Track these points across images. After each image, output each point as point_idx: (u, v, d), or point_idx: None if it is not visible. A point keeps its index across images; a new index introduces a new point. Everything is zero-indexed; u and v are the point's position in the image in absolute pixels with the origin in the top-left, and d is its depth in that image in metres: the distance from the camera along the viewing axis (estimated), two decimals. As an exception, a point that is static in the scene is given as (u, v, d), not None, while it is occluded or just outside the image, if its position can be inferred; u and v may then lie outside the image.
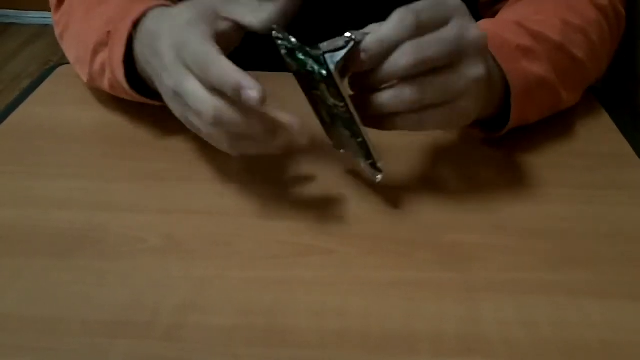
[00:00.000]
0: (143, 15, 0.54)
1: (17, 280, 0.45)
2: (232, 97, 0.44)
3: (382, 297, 0.43)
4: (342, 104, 0.45)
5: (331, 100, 0.45)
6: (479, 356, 0.39)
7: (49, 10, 0.69)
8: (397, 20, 0.45)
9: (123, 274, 0.45)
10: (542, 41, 0.56)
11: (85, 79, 0.63)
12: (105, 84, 0.60)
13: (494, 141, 0.57)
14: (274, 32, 0.46)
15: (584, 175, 0.55)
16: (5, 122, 0.64)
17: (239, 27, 0.51)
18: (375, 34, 0.45)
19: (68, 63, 0.68)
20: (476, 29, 0.46)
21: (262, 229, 0.49)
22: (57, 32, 0.68)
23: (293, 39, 0.45)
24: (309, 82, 0.47)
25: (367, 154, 0.48)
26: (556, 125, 0.57)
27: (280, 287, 0.44)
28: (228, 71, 0.44)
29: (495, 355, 0.39)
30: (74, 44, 0.64)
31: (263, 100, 0.43)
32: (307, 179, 0.54)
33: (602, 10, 0.62)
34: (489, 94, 0.51)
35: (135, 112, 0.62)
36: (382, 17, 0.46)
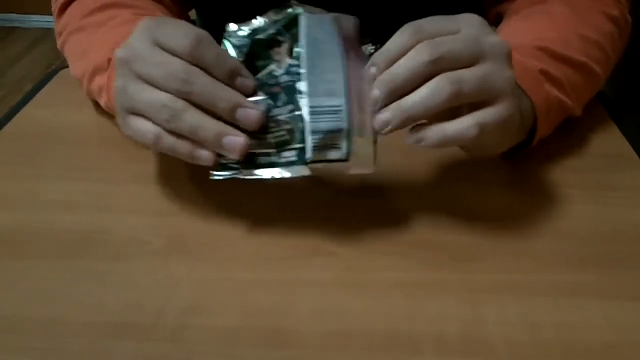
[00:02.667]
0: None
1: (21, 282, 0.45)
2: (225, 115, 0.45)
3: (384, 298, 0.43)
4: (297, 63, 0.45)
5: (287, 61, 0.46)
6: (481, 357, 0.39)
7: (52, 14, 0.70)
8: (400, 32, 0.43)
9: (126, 275, 0.45)
10: (565, 64, 0.55)
11: (83, 92, 0.63)
12: (101, 103, 0.60)
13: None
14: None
15: (585, 176, 0.55)
16: (8, 125, 0.64)
17: None
18: (381, 49, 0.44)
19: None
20: (495, 36, 0.44)
21: (265, 231, 0.49)
22: (58, 43, 0.68)
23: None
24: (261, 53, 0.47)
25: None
26: (557, 126, 0.57)
27: (283, 289, 0.44)
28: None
29: (497, 356, 0.39)
30: (74, 60, 0.64)
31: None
32: (309, 180, 0.54)
33: (614, 21, 0.61)
34: (521, 119, 0.48)
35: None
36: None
